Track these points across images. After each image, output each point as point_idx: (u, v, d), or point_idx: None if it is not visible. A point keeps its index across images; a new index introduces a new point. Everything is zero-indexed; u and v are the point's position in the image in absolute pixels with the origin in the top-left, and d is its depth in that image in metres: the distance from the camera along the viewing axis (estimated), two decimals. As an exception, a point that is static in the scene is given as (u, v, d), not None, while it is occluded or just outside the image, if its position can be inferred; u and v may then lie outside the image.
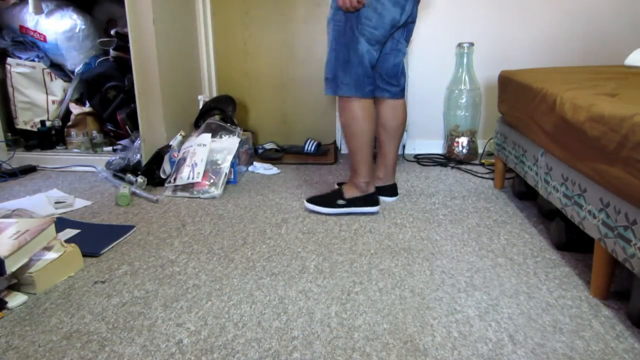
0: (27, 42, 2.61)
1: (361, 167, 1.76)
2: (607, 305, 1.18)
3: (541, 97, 1.53)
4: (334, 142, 2.81)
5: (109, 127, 2.66)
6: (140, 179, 2.10)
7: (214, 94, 2.84)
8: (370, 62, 1.66)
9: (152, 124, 2.35)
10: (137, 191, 2.04)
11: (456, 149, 2.60)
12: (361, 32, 1.61)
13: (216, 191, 2.04)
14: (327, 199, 1.80)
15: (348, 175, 2.35)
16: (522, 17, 2.55)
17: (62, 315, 1.18)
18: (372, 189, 1.80)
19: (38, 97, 2.63)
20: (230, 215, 1.83)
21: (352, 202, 1.78)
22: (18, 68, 2.56)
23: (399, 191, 2.07)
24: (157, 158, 2.23)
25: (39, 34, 2.56)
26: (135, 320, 1.15)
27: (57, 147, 2.64)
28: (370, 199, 1.79)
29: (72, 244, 1.41)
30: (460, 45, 2.55)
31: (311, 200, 1.82)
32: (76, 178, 2.34)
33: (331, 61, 1.68)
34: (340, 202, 1.78)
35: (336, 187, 2.08)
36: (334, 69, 1.67)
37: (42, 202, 1.96)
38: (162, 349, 1.04)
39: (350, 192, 1.79)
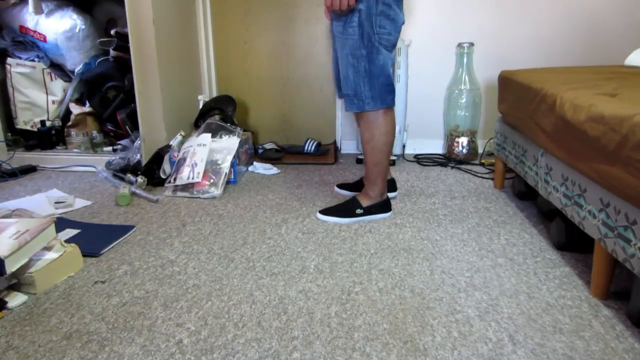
0: (27, 42, 2.61)
1: (379, 179, 1.73)
2: (607, 305, 1.18)
3: (541, 97, 1.53)
4: (334, 142, 2.81)
5: (109, 127, 2.66)
6: (140, 179, 2.10)
7: (214, 94, 2.84)
8: (390, 68, 1.63)
9: (152, 124, 2.35)
10: (137, 191, 2.04)
11: (456, 149, 2.60)
12: (379, 41, 1.57)
13: (216, 191, 2.04)
14: (344, 209, 1.75)
15: (347, 175, 2.35)
16: (522, 17, 2.55)
17: (62, 315, 1.18)
18: (386, 195, 1.79)
19: (38, 97, 2.63)
20: (230, 215, 1.83)
21: (369, 210, 1.75)
22: (18, 68, 2.56)
23: (398, 191, 2.07)
24: (157, 158, 2.23)
25: (39, 34, 2.56)
26: (135, 320, 1.15)
27: (57, 147, 2.64)
28: (385, 205, 1.78)
29: (72, 244, 1.41)
30: (460, 45, 2.55)
31: (326, 212, 1.76)
32: (76, 178, 2.34)
33: (349, 77, 1.61)
34: (359, 211, 1.74)
35: (336, 189, 2.08)
36: (355, 84, 1.61)
37: (42, 202, 1.96)
38: (162, 349, 1.04)
39: (366, 201, 1.76)
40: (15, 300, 1.23)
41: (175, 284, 1.32)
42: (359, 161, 2.60)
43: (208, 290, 1.29)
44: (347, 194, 2.02)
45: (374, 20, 1.55)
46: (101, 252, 1.51)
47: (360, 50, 1.57)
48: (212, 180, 2.07)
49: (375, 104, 1.61)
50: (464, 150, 2.59)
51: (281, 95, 2.84)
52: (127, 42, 2.23)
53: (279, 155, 2.62)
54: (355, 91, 1.61)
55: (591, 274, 1.24)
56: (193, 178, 2.05)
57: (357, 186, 2.02)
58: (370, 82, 1.59)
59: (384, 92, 1.62)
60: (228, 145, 2.17)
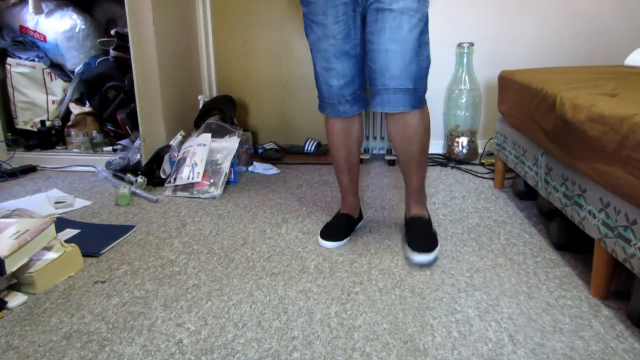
0: (27, 42, 2.61)
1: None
2: (607, 305, 1.18)
3: (541, 97, 1.52)
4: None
5: (109, 127, 2.66)
6: (140, 179, 2.10)
7: (214, 94, 2.84)
8: None
9: (152, 124, 2.35)
10: (137, 191, 2.04)
11: (456, 149, 2.60)
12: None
13: (216, 191, 2.04)
14: (431, 234, 1.46)
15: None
16: (522, 17, 2.55)
17: (62, 315, 1.18)
18: None
19: (38, 97, 2.63)
20: (230, 215, 1.83)
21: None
22: (18, 68, 2.56)
23: (398, 191, 2.07)
24: (157, 158, 2.23)
25: (39, 34, 2.56)
26: (135, 320, 1.15)
27: (57, 147, 2.64)
28: None
29: (72, 244, 1.41)
30: (460, 45, 2.55)
31: (426, 248, 1.37)
32: (76, 178, 2.34)
33: (412, 65, 1.31)
34: (434, 228, 1.51)
35: (324, 243, 1.56)
36: (417, 76, 1.34)
37: (42, 202, 1.96)
38: (162, 349, 1.04)
39: (425, 212, 1.54)
40: (15, 300, 1.23)
41: (175, 284, 1.32)
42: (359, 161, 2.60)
43: (208, 290, 1.29)
44: (341, 244, 1.55)
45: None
46: (101, 252, 1.51)
47: (425, 36, 1.33)
48: (212, 180, 2.07)
49: (424, 98, 1.43)
50: (464, 150, 2.59)
51: (281, 95, 2.84)
52: (127, 42, 2.22)
53: (279, 155, 2.62)
54: (416, 84, 1.35)
55: (591, 274, 1.24)
56: (193, 178, 2.05)
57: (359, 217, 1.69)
58: (427, 75, 1.39)
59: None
60: (228, 145, 2.17)
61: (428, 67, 1.34)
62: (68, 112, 2.65)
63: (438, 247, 1.42)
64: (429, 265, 1.34)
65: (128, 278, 1.36)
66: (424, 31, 1.31)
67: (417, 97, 1.35)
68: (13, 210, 1.74)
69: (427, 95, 2.78)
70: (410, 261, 1.39)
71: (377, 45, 1.29)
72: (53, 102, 2.66)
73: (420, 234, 1.43)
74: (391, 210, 1.85)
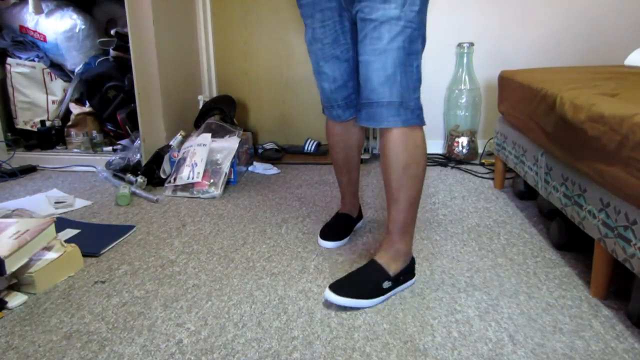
0: (27, 42, 2.61)
1: (413, 226, 1.29)
2: (607, 305, 1.18)
3: (541, 97, 1.52)
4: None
5: (109, 127, 2.66)
6: (140, 179, 2.10)
7: (214, 94, 2.84)
8: None
9: (152, 124, 2.35)
10: (137, 191, 2.04)
11: (456, 149, 2.60)
12: (425, 37, 1.21)
13: (216, 191, 2.04)
14: (367, 284, 1.22)
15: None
16: (522, 17, 2.55)
17: (62, 315, 1.18)
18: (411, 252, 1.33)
19: (38, 97, 2.63)
20: (230, 215, 1.83)
21: (398, 280, 1.26)
22: (18, 68, 2.56)
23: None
24: (157, 158, 2.23)
25: (39, 34, 2.56)
26: (135, 320, 1.15)
27: (57, 147, 2.64)
28: (413, 266, 1.31)
29: (72, 244, 1.41)
30: (460, 45, 2.55)
31: (343, 291, 1.19)
32: (76, 178, 2.34)
33: (396, 78, 1.16)
34: (387, 284, 1.23)
35: (325, 243, 1.56)
36: (402, 89, 1.18)
37: (42, 202, 1.96)
38: (162, 349, 1.04)
39: (395, 264, 1.25)
40: (15, 300, 1.23)
41: (175, 284, 1.32)
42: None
43: (208, 290, 1.29)
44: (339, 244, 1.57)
45: (424, 9, 1.18)
46: (101, 252, 1.51)
47: (416, 45, 1.19)
48: (212, 180, 2.06)
49: (422, 117, 1.23)
50: (464, 150, 2.59)
51: (281, 95, 2.84)
52: (127, 42, 2.23)
53: (279, 155, 2.62)
54: (402, 98, 1.18)
55: (591, 274, 1.24)
56: (193, 178, 2.05)
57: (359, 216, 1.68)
58: (419, 88, 1.22)
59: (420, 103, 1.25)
60: (228, 145, 2.17)
61: (418, 80, 1.21)
62: (68, 112, 2.66)
63: (367, 301, 1.20)
64: (346, 308, 1.18)
65: (128, 278, 1.36)
66: (413, 39, 1.17)
67: (406, 112, 1.20)
68: (13, 210, 1.74)
69: (427, 95, 2.80)
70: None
71: (360, 56, 1.21)
72: (53, 102, 2.66)
73: (352, 277, 1.24)
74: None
